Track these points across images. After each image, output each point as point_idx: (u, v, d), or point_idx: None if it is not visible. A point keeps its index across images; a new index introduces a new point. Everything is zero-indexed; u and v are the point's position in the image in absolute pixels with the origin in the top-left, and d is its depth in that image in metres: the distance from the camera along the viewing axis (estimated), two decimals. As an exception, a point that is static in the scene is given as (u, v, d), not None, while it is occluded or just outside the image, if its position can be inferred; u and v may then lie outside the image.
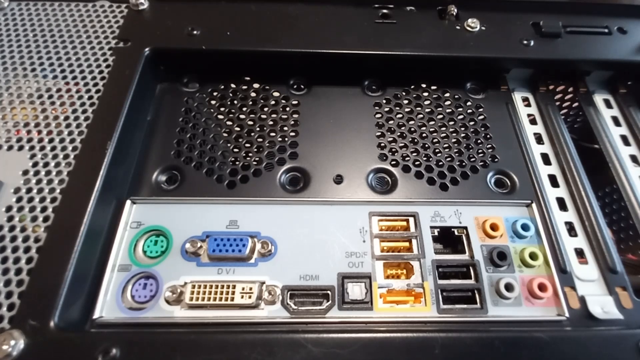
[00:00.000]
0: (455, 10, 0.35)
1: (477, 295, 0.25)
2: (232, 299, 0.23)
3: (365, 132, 0.31)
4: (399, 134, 0.32)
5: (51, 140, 0.27)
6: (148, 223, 0.26)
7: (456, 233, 0.27)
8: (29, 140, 0.27)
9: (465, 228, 0.27)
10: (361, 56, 0.32)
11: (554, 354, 0.22)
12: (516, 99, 0.34)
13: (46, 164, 0.26)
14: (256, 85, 0.34)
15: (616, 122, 0.34)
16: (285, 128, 0.31)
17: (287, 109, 0.32)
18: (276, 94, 0.33)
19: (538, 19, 0.34)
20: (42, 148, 0.27)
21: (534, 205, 0.28)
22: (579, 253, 0.27)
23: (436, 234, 0.27)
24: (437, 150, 0.31)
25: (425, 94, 0.34)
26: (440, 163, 0.30)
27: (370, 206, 0.28)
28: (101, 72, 0.30)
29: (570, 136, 0.32)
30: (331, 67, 0.33)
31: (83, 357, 0.20)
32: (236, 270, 0.25)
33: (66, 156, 0.26)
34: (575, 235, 0.28)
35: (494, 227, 0.27)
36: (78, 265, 0.22)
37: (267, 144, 0.30)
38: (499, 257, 0.26)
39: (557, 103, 0.36)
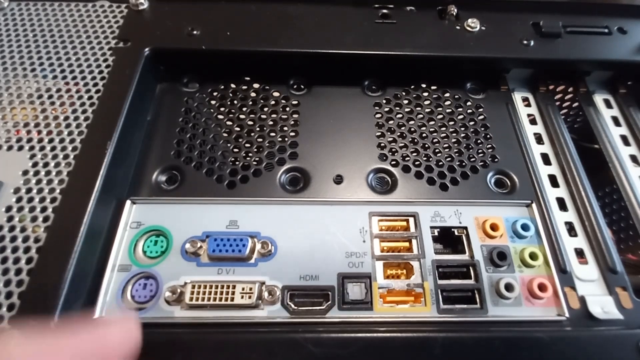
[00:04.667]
0: (455, 10, 0.35)
1: (477, 295, 0.25)
2: (232, 299, 0.23)
3: (365, 132, 0.31)
4: (399, 134, 0.32)
5: (51, 140, 0.27)
6: (148, 223, 0.26)
7: (456, 233, 0.27)
8: (29, 140, 0.27)
9: (465, 228, 0.27)
10: (361, 56, 0.32)
11: (554, 354, 0.22)
12: (516, 99, 0.34)
13: (46, 164, 0.26)
14: (256, 85, 0.34)
15: (616, 122, 0.34)
16: (285, 128, 0.31)
17: (287, 109, 0.32)
18: (276, 94, 0.33)
19: (538, 19, 0.34)
20: (42, 148, 0.26)
21: (534, 205, 0.28)
22: (579, 253, 0.27)
23: (436, 234, 0.27)
24: (437, 150, 0.31)
25: (425, 94, 0.34)
26: (440, 163, 0.30)
27: (370, 206, 0.28)
28: (101, 72, 0.30)
29: (570, 136, 0.32)
30: (331, 67, 0.33)
31: (83, 357, 0.20)
32: (236, 270, 0.25)
33: (66, 156, 0.26)
34: (575, 235, 0.28)
35: (494, 227, 0.27)
36: (78, 265, 0.22)
37: (267, 144, 0.30)
38: (499, 257, 0.26)
39: (557, 103, 0.36)
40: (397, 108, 0.33)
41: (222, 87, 0.33)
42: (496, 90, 0.35)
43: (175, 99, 0.33)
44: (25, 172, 0.26)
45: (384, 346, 0.22)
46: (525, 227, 0.27)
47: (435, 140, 0.31)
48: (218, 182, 0.28)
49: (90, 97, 0.29)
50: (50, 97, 0.29)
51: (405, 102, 0.34)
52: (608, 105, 0.35)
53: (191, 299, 0.23)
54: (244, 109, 0.32)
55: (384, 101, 0.33)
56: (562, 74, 0.36)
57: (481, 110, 0.33)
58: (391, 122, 0.32)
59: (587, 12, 0.36)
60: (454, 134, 0.32)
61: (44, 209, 0.24)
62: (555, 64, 0.34)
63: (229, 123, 0.32)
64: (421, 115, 0.33)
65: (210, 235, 0.26)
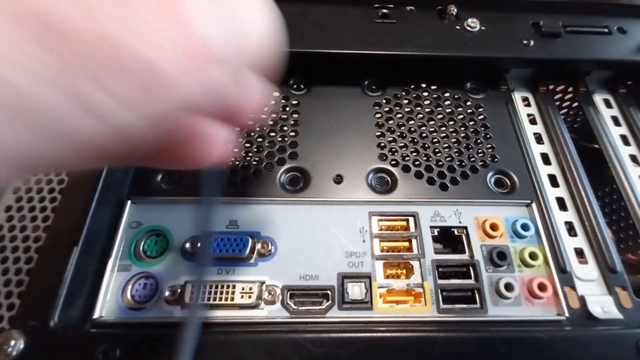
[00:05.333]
0: (455, 10, 0.35)
1: (477, 295, 0.25)
2: (232, 299, 0.23)
3: (365, 132, 0.31)
4: (398, 133, 0.32)
5: (51, 140, 0.27)
6: (148, 223, 0.26)
7: (456, 233, 0.27)
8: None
9: (465, 228, 0.27)
10: (361, 56, 0.32)
11: (554, 353, 0.22)
12: (516, 99, 0.34)
13: (46, 164, 0.26)
14: (256, 85, 0.34)
15: (616, 122, 0.34)
16: (285, 128, 0.31)
17: (287, 108, 0.32)
18: (276, 93, 0.33)
19: (538, 18, 0.34)
20: (42, 148, 0.26)
21: (533, 205, 0.28)
22: (579, 253, 0.27)
23: (436, 233, 0.27)
24: (437, 150, 0.31)
25: (425, 93, 0.34)
26: (440, 163, 0.30)
27: (370, 206, 0.28)
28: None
29: (570, 136, 0.32)
30: (331, 67, 0.33)
31: (83, 357, 0.20)
32: (236, 270, 0.25)
33: (66, 156, 0.26)
34: (575, 235, 0.28)
35: (493, 227, 0.27)
36: (78, 265, 0.22)
37: (267, 144, 0.30)
38: (498, 257, 0.26)
39: (557, 103, 0.36)
40: (397, 108, 0.33)
41: (222, 87, 0.33)
42: (496, 90, 0.35)
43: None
44: (25, 172, 0.26)
45: (384, 346, 0.22)
46: (525, 227, 0.27)
47: (435, 140, 0.31)
48: (218, 182, 0.28)
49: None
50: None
51: (405, 102, 0.34)
52: (608, 105, 0.35)
53: (191, 299, 0.23)
54: (244, 108, 0.32)
55: (384, 101, 0.33)
56: (562, 74, 0.36)
57: (481, 110, 0.33)
58: (391, 121, 0.32)
59: (587, 12, 0.36)
60: (454, 134, 0.32)
61: (43, 209, 0.24)
62: (555, 64, 0.34)
63: (228, 123, 0.31)
64: (421, 115, 0.33)
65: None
